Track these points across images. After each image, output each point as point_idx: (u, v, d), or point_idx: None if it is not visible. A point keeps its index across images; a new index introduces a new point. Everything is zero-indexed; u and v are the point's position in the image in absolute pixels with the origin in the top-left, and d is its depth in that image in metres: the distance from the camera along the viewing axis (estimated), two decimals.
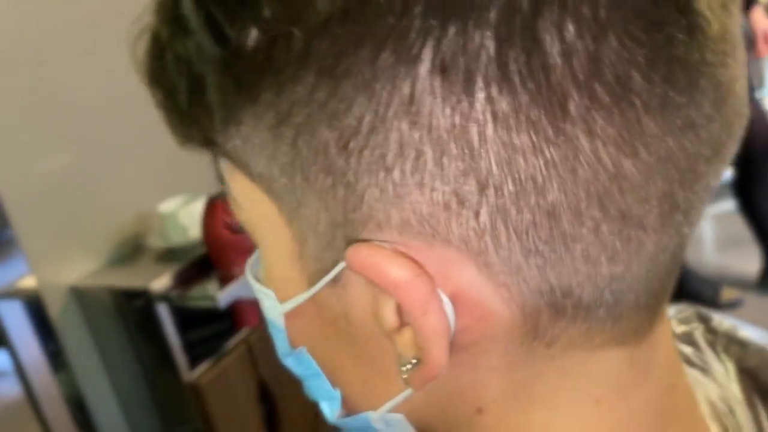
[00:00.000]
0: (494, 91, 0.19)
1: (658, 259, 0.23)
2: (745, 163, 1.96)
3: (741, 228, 2.12)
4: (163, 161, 1.54)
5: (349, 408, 0.30)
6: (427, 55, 0.19)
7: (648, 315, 0.25)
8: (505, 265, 0.22)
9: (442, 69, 0.19)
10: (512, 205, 0.21)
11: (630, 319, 0.25)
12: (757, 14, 2.00)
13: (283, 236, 0.25)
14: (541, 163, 0.20)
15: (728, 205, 2.22)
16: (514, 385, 0.26)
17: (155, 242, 1.41)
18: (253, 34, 0.22)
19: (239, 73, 0.23)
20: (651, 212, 0.22)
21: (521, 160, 0.20)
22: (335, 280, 0.25)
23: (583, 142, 0.20)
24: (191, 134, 0.26)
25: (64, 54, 1.37)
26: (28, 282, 1.36)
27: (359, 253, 0.23)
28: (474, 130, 0.20)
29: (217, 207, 1.28)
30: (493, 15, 0.19)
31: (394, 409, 0.27)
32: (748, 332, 0.35)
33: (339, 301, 0.25)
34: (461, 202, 0.21)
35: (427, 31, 0.19)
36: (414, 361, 0.24)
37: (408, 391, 0.26)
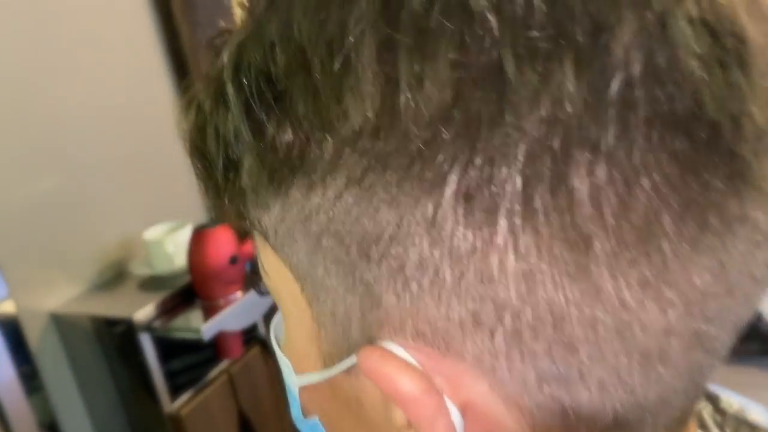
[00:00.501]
0: (517, 223, 0.19)
1: (678, 388, 0.23)
2: None
3: None
4: (149, 187, 1.53)
5: None
6: (452, 180, 0.20)
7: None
8: (518, 385, 0.22)
9: (467, 197, 0.20)
10: (529, 332, 0.21)
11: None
12: None
13: (305, 315, 0.26)
14: (561, 297, 0.20)
15: None
16: None
17: (139, 269, 1.39)
18: (288, 131, 0.22)
19: (272, 165, 0.23)
20: (672, 347, 0.21)
21: (541, 292, 0.20)
22: (349, 368, 0.25)
23: (606, 282, 0.20)
24: (225, 206, 0.27)
25: (49, 76, 1.36)
26: (7, 307, 1.33)
27: (371, 359, 0.23)
28: (494, 258, 0.20)
29: (203, 236, 1.27)
30: (521, 151, 0.19)
31: None
32: (757, 414, 0.35)
33: (352, 387, 0.26)
34: (477, 323, 0.21)
35: (454, 158, 0.19)
36: None
37: None
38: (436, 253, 0.20)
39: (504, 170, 0.19)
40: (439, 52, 0.20)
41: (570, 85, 0.19)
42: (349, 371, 0.25)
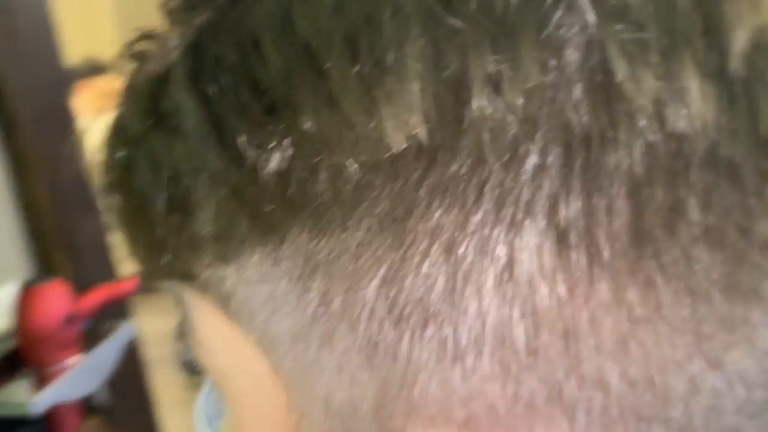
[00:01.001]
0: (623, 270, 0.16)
1: None
2: None
3: None
4: None
5: None
6: (540, 217, 0.16)
7: None
8: None
9: (560, 238, 0.15)
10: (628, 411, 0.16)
11: None
12: None
13: (274, 400, 0.21)
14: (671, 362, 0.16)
15: None
16: None
17: None
18: (283, 156, 0.17)
19: (255, 204, 0.18)
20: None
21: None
22: None
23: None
24: (157, 260, 0.21)
25: None
26: None
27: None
28: (585, 315, 0.16)
29: (32, 293, 1.11)
30: (631, 176, 0.15)
31: None
32: None
33: None
34: (554, 400, 0.16)
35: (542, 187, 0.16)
36: None
37: None
38: (509, 313, 0.16)
39: (609, 202, 0.15)
40: (522, 47, 0.15)
41: (697, 93, 0.15)
42: None
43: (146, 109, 0.19)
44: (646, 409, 0.16)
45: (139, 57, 0.20)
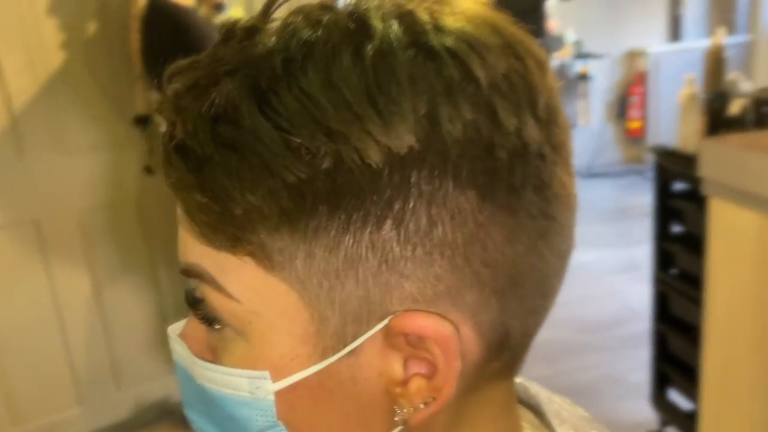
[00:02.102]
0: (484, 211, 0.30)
1: (543, 319, 0.34)
2: None
3: None
4: None
5: None
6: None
7: (524, 357, 0.35)
8: (490, 321, 0.31)
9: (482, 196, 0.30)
10: (501, 287, 0.31)
11: (519, 359, 0.35)
12: None
13: (298, 319, 0.31)
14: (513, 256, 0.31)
15: None
16: (452, 415, 0.34)
17: None
18: (374, 151, 0.28)
19: (342, 188, 0.28)
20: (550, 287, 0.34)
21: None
22: (352, 350, 0.31)
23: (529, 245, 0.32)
24: (220, 229, 0.30)
25: None
26: None
27: (416, 319, 0.30)
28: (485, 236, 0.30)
29: None
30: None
31: None
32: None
33: (349, 367, 0.31)
34: (471, 285, 0.30)
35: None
36: (422, 405, 0.31)
37: (398, 429, 0.33)
38: (458, 237, 0.29)
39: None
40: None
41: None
42: (350, 353, 0.31)
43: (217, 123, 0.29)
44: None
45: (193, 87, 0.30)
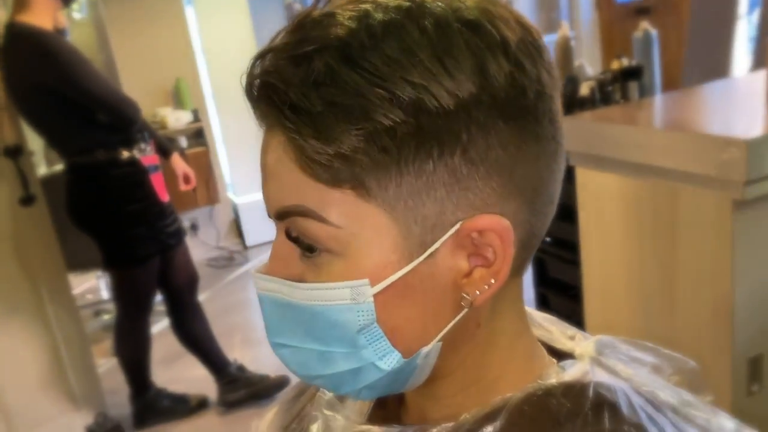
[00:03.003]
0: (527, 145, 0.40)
1: (549, 221, 0.44)
2: (171, 294, 2.43)
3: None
4: None
5: (405, 353, 0.42)
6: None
7: (534, 253, 0.45)
8: (522, 221, 0.41)
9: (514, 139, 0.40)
10: (530, 195, 0.41)
11: (532, 255, 0.44)
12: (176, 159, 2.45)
13: (389, 234, 0.40)
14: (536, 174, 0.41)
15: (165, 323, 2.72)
16: (494, 305, 0.44)
17: None
18: (446, 96, 0.37)
19: (436, 129, 0.37)
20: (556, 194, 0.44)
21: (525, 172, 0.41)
22: (431, 252, 0.40)
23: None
24: (332, 166, 0.38)
25: None
26: None
27: (483, 219, 0.39)
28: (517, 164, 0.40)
29: None
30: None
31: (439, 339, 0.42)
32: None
33: (428, 266, 0.40)
34: (510, 195, 0.40)
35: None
36: (477, 292, 0.41)
37: (464, 311, 0.42)
38: (505, 158, 0.39)
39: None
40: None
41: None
42: (429, 255, 0.40)
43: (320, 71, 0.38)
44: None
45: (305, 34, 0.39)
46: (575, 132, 1.65)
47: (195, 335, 2.49)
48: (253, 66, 0.40)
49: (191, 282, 2.45)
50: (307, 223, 0.40)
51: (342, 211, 0.39)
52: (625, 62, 1.93)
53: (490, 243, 0.40)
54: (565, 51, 1.95)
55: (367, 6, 0.39)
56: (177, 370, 2.81)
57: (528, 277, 2.22)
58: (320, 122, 0.37)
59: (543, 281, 2.17)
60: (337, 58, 0.37)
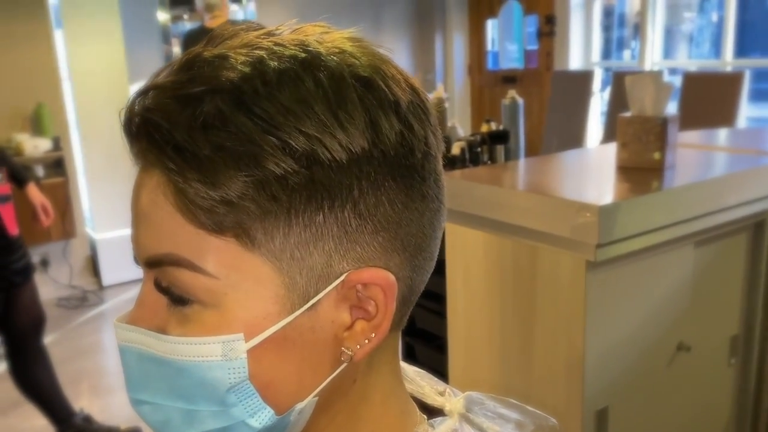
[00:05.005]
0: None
1: (427, 277, 0.45)
2: (13, 336, 2.25)
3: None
4: None
5: (278, 410, 0.41)
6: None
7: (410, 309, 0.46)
8: (404, 277, 0.42)
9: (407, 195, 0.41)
10: (413, 251, 0.42)
11: (409, 311, 0.45)
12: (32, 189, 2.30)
13: (271, 285, 0.38)
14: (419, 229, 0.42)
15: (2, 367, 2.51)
16: (371, 360, 0.44)
17: None
18: (340, 150, 0.37)
19: (320, 183, 0.37)
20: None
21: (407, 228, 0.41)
22: (313, 305, 0.39)
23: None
24: (216, 212, 0.37)
25: None
26: None
27: (367, 272, 0.39)
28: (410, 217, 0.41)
29: None
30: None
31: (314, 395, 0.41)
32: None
33: (309, 319, 0.39)
34: (395, 251, 0.41)
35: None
36: (358, 346, 0.41)
37: (343, 366, 0.41)
38: (392, 215, 0.40)
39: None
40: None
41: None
42: (311, 307, 0.39)
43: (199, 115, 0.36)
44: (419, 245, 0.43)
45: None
46: (446, 189, 1.71)
47: (37, 382, 2.28)
48: (134, 101, 0.38)
49: (36, 324, 2.25)
50: (180, 273, 0.38)
51: (221, 261, 0.38)
52: (493, 126, 2.05)
53: (373, 297, 0.40)
54: (440, 111, 2.05)
55: (261, 53, 0.38)
56: (13, 420, 2.55)
57: None
58: (207, 166, 0.36)
59: (410, 331, 2.20)
60: (228, 102, 0.36)
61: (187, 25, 4.75)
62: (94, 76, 4.04)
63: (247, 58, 0.38)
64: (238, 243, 0.37)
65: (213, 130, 0.36)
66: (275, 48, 0.39)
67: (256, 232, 0.37)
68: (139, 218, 0.40)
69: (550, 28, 4.96)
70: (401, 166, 0.39)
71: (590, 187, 1.68)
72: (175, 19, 4.78)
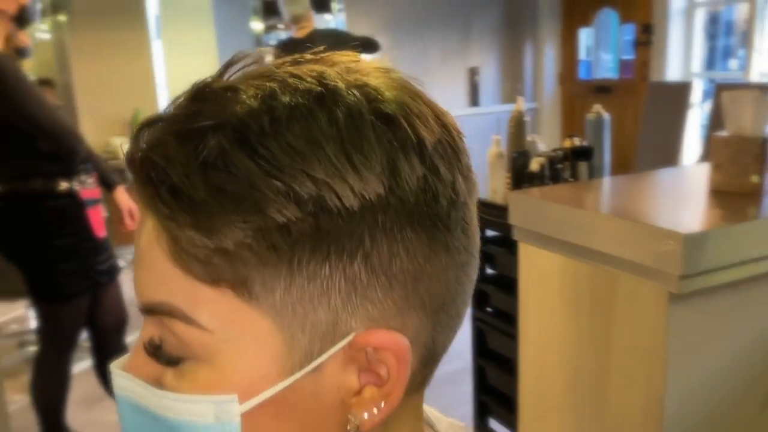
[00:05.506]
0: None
1: (455, 336, 0.41)
2: (97, 334, 2.32)
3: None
4: None
5: None
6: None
7: (436, 370, 0.41)
8: (424, 337, 0.37)
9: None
10: (435, 309, 0.37)
11: (434, 371, 0.41)
12: (120, 193, 2.32)
13: (270, 342, 0.35)
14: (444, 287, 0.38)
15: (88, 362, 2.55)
16: (385, 426, 0.39)
17: None
18: (351, 196, 0.33)
19: (323, 235, 0.33)
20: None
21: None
22: (316, 366, 0.35)
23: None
24: (210, 262, 0.33)
25: None
26: None
27: (378, 335, 0.35)
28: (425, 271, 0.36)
29: None
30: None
31: None
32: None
33: (312, 382, 0.35)
34: (413, 309, 0.37)
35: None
36: (366, 415, 0.36)
37: None
38: (411, 268, 0.36)
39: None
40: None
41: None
42: (314, 370, 0.35)
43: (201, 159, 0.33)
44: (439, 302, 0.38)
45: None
46: (521, 207, 1.65)
47: None
48: (137, 134, 0.35)
49: (119, 324, 2.34)
50: (174, 324, 0.35)
51: (216, 313, 0.34)
52: (577, 141, 1.95)
53: (384, 361, 0.36)
54: (519, 125, 1.97)
55: (274, 85, 0.35)
56: (96, 414, 2.66)
57: (466, 347, 2.18)
58: (202, 210, 0.32)
59: (482, 352, 2.13)
60: (231, 139, 0.33)
61: (282, 34, 4.86)
62: (188, 84, 4.20)
63: (258, 91, 0.34)
64: (235, 295, 0.34)
65: (212, 171, 0.32)
66: (290, 80, 0.35)
67: (254, 284, 0.33)
68: (138, 260, 0.37)
69: (647, 37, 4.74)
70: (423, 215, 0.35)
71: (678, 212, 1.56)
72: (269, 29, 4.90)
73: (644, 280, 1.31)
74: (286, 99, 0.34)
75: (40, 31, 3.83)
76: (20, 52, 2.07)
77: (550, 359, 1.64)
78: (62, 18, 3.73)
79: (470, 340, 2.12)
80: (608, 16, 5.19)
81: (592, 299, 1.47)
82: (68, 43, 3.72)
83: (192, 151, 0.33)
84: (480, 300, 2.08)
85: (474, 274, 0.40)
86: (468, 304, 0.41)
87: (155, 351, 0.37)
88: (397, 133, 0.34)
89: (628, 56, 5.02)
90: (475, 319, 2.10)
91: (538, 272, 1.64)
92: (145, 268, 0.36)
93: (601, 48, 5.46)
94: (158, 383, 0.37)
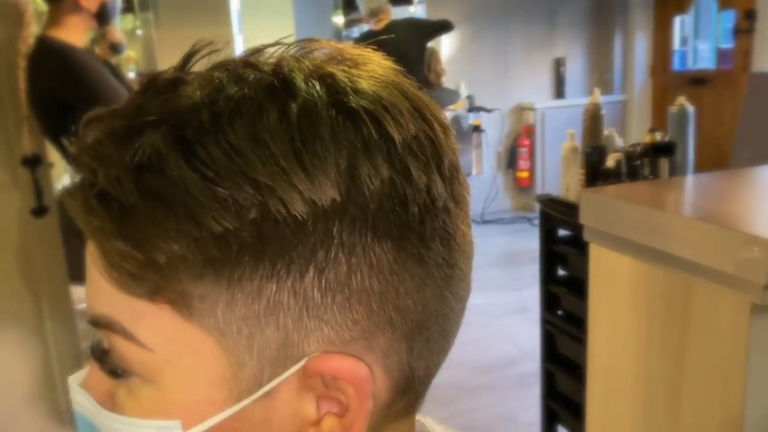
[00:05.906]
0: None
1: (444, 359, 0.36)
2: None
3: None
4: None
5: None
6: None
7: (424, 395, 0.37)
8: (397, 362, 0.33)
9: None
10: (408, 330, 0.33)
11: (421, 398, 0.37)
12: None
13: (215, 365, 0.31)
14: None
15: None
16: None
17: None
18: (300, 203, 0.29)
19: (266, 243, 0.29)
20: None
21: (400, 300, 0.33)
22: (267, 392, 0.31)
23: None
24: (142, 276, 0.30)
25: None
26: None
27: (333, 361, 0.31)
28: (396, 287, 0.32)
29: None
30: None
31: None
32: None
33: (264, 409, 0.32)
34: (379, 329, 0.32)
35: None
36: None
37: None
38: (375, 285, 0.32)
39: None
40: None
41: None
42: (266, 395, 0.32)
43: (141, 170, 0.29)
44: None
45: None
46: (594, 206, 1.55)
47: None
48: (83, 130, 0.32)
49: None
50: (114, 339, 0.32)
51: (155, 330, 0.31)
52: (658, 136, 1.82)
53: (342, 390, 0.32)
54: (595, 118, 1.86)
55: (222, 74, 0.31)
56: None
57: (535, 349, 2.09)
58: (131, 219, 0.29)
59: (551, 357, 2.04)
60: (168, 138, 0.29)
61: (365, 27, 4.86)
62: None
63: (204, 83, 0.31)
64: (174, 311, 0.31)
65: (146, 173, 0.29)
66: (242, 70, 0.31)
67: (193, 300, 0.30)
68: (86, 269, 0.34)
69: (749, 24, 4.41)
70: (388, 224, 0.30)
71: (767, 215, 1.43)
72: (351, 23, 4.91)
73: (724, 289, 1.20)
74: (232, 90, 0.30)
75: (138, 29, 4.00)
76: (114, 48, 2.15)
77: (619, 368, 1.55)
78: (149, 15, 3.87)
79: (540, 343, 2.04)
80: (706, 2, 4.88)
81: (666, 307, 1.37)
82: (154, 39, 3.86)
83: (126, 150, 0.29)
84: (550, 302, 1.99)
85: (463, 290, 0.35)
86: (458, 324, 0.36)
87: (101, 356, 0.34)
88: (359, 128, 0.30)
89: (728, 45, 4.70)
90: (545, 322, 2.01)
91: (609, 276, 1.55)
92: (89, 279, 0.34)
93: (698, 36, 5.14)
94: (112, 399, 0.35)
